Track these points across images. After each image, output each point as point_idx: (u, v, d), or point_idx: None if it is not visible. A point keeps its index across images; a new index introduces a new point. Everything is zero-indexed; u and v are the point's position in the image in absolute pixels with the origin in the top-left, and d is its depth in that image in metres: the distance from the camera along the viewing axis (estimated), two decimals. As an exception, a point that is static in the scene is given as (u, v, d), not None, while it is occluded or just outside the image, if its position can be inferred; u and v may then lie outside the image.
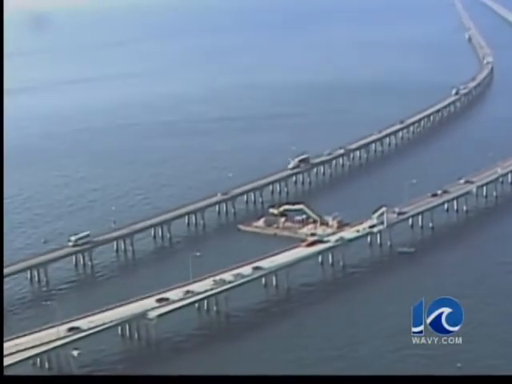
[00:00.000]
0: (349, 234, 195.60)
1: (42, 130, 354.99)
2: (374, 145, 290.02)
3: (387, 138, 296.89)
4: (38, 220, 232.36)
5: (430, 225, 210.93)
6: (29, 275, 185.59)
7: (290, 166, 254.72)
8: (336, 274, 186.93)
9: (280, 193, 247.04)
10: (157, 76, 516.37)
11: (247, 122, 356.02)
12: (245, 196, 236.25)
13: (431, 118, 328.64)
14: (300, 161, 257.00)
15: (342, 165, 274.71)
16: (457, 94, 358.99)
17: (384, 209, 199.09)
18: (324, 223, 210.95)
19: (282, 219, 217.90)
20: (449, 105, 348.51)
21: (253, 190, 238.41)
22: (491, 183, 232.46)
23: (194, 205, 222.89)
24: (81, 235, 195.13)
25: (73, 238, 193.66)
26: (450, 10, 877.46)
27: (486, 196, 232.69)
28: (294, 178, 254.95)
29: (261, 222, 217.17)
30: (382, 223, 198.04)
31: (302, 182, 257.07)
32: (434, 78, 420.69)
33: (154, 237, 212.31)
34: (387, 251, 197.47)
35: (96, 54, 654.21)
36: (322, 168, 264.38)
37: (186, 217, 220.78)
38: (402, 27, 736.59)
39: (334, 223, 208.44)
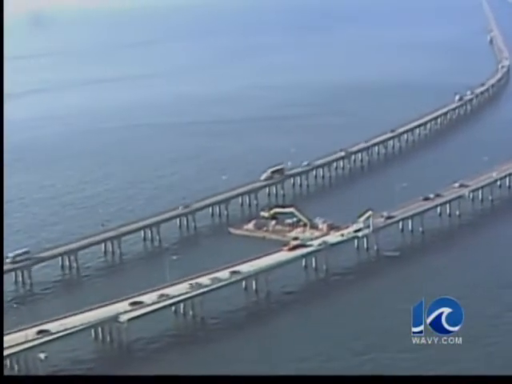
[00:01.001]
0: (333, 238, 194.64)
1: (61, 130, 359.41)
2: (377, 147, 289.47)
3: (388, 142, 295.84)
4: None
5: (420, 229, 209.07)
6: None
7: (263, 177, 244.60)
8: (319, 279, 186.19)
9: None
10: (176, 77, 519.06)
11: (265, 123, 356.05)
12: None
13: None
14: (274, 172, 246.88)
15: (343, 167, 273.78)
16: (460, 99, 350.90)
17: (370, 212, 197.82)
18: (314, 226, 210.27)
19: (273, 222, 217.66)
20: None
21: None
22: (486, 187, 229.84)
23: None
24: (19, 252, 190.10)
25: (10, 255, 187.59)
26: (478, 12, 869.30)
27: (482, 200, 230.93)
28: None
29: (251, 225, 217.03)
30: (368, 227, 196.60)
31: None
32: (452, 81, 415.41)
33: (144, 239, 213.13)
34: (373, 255, 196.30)
35: (116, 55, 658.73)
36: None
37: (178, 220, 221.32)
38: (428, 28, 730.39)
39: (323, 226, 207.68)
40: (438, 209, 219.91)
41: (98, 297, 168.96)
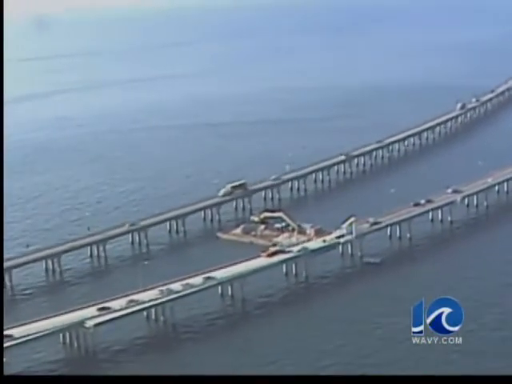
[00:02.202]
0: (315, 244, 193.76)
1: (89, 130, 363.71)
2: (375, 152, 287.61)
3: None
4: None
5: (408, 235, 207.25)
6: None
7: (221, 193, 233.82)
8: (297, 285, 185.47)
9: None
10: (201, 78, 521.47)
11: (293, 124, 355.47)
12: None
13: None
14: (234, 187, 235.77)
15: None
16: (463, 108, 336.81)
17: (353, 219, 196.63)
18: (302, 231, 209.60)
19: (262, 227, 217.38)
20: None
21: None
22: (481, 192, 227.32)
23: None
24: None
25: None
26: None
27: (477, 206, 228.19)
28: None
29: (239, 230, 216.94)
30: (351, 233, 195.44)
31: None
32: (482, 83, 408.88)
33: (132, 243, 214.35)
34: (355, 262, 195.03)
35: (146, 56, 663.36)
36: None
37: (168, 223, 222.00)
38: (463, 30, 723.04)
39: (311, 231, 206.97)
40: (430, 215, 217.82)
41: (81, 300, 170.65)
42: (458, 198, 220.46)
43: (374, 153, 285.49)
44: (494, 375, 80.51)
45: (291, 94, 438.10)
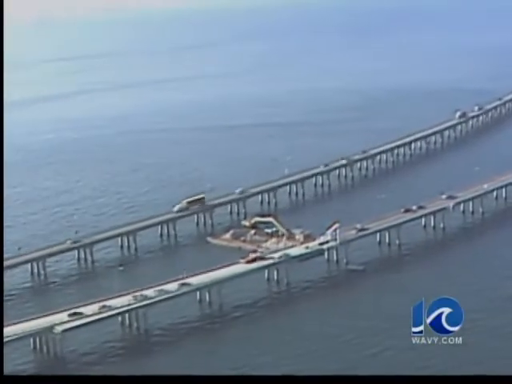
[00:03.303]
0: (297, 250, 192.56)
1: (118, 130, 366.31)
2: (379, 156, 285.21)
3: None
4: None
5: (397, 242, 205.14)
6: None
7: (176, 208, 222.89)
8: (277, 291, 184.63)
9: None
10: (229, 79, 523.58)
11: (312, 127, 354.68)
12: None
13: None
14: (190, 202, 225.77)
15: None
16: (463, 116, 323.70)
17: (337, 225, 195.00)
18: (291, 237, 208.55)
19: (252, 232, 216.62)
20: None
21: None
22: (476, 198, 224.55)
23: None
24: None
25: None
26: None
27: (473, 212, 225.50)
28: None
29: (228, 235, 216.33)
30: (335, 240, 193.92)
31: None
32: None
33: (122, 247, 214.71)
34: (339, 269, 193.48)
35: (171, 57, 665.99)
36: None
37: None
38: (490, 32, 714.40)
39: (300, 237, 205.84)
40: (423, 221, 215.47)
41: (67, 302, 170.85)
42: (451, 204, 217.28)
43: (379, 157, 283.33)
44: (494, 375, 79.78)
45: (313, 95, 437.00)
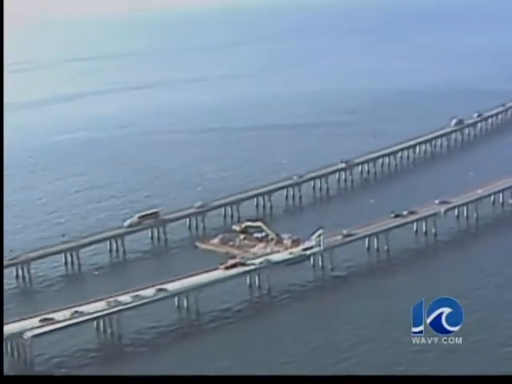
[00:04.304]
0: (279, 256, 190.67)
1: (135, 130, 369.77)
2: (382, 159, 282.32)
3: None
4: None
5: (386, 247, 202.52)
6: None
7: (126, 223, 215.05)
8: (260, 298, 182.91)
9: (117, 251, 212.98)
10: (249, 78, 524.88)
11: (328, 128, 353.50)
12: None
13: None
14: (143, 216, 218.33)
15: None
16: (459, 124, 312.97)
17: (321, 231, 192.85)
18: (279, 241, 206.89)
19: (242, 236, 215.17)
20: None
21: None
22: (468, 204, 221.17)
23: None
24: None
25: None
26: None
27: (467, 217, 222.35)
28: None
29: (217, 240, 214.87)
30: (319, 245, 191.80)
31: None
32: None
33: (110, 251, 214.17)
34: (325, 274, 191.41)
35: (196, 57, 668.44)
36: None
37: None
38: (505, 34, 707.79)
39: (288, 242, 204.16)
40: (414, 227, 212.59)
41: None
42: (442, 209, 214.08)
43: (380, 160, 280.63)
44: (494, 375, 78.81)
45: (327, 96, 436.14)
